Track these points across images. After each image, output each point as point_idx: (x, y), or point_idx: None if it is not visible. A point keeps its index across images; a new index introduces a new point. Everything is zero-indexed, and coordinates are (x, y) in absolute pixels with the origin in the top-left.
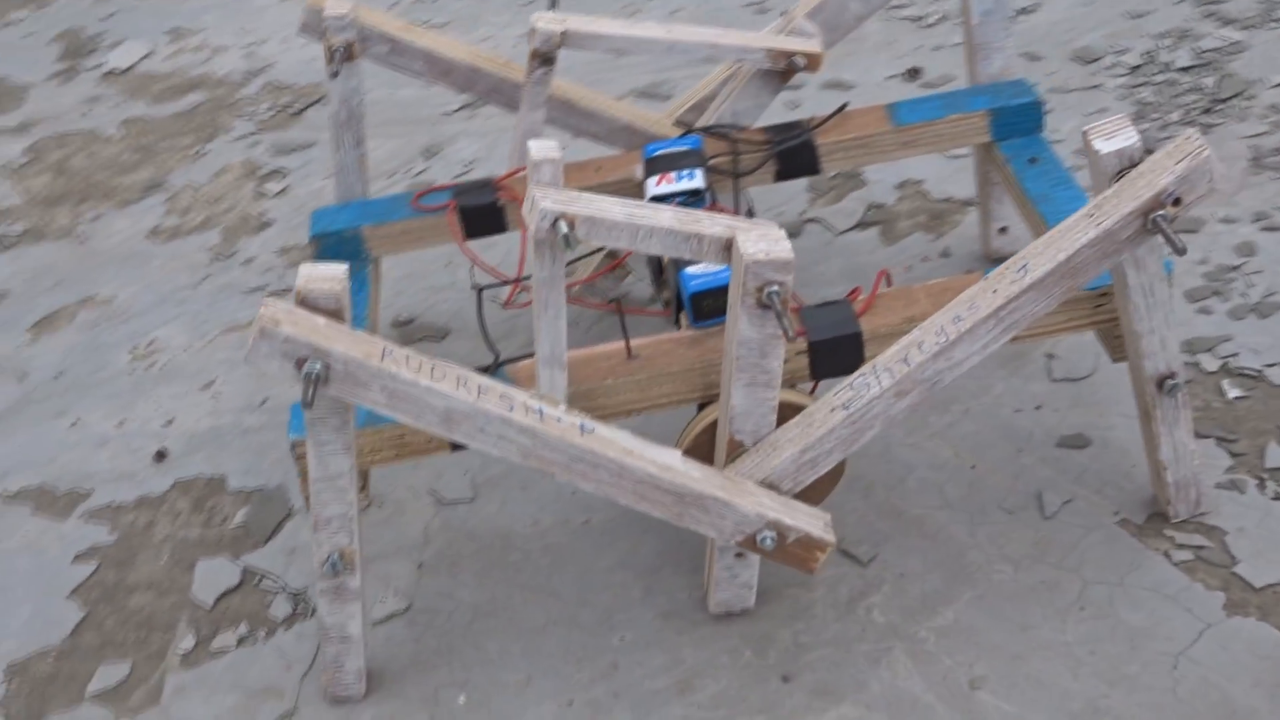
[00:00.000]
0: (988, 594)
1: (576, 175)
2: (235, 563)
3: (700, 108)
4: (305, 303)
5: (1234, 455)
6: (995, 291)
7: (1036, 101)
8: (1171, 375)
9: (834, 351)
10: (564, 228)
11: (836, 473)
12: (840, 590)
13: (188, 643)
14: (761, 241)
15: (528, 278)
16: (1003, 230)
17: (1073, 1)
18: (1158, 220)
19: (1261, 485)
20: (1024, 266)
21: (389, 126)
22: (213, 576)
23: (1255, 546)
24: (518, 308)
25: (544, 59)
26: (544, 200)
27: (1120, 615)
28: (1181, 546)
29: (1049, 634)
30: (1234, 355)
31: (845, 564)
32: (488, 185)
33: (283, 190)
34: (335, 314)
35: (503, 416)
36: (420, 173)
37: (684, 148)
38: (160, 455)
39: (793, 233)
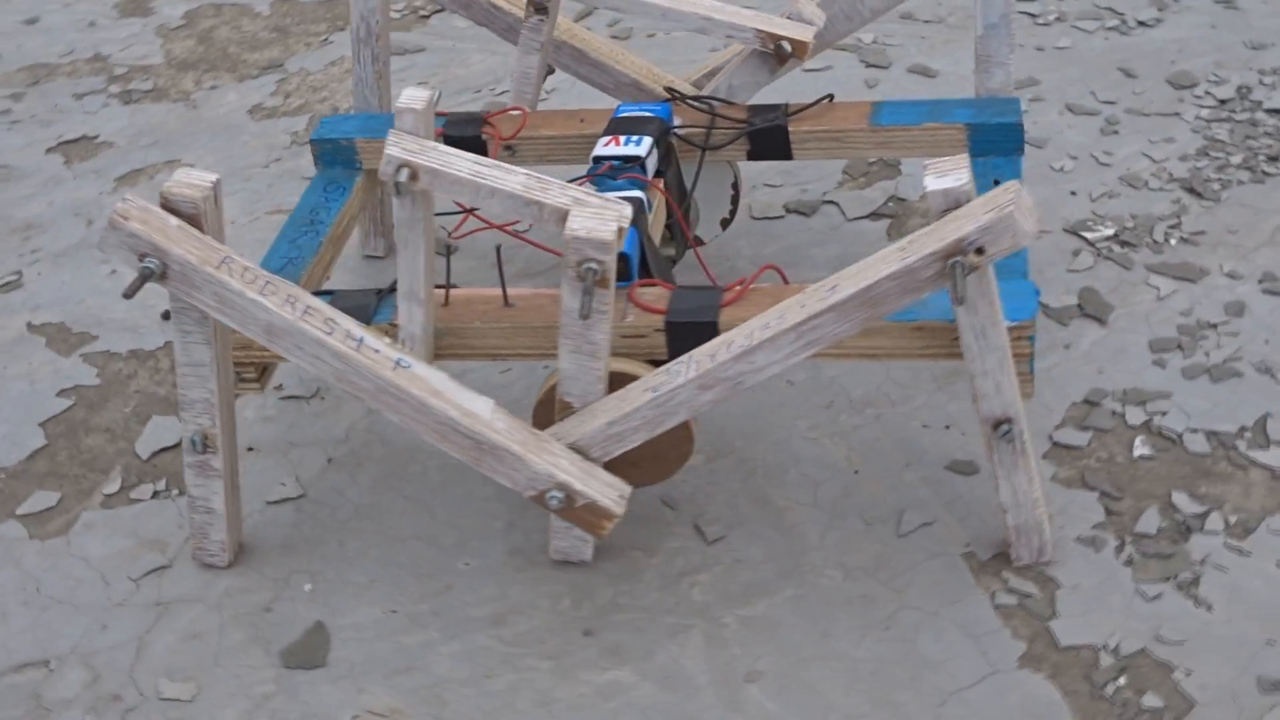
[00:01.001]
0: (807, 595)
1: (560, 122)
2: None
3: (714, 75)
4: (166, 203)
5: (1110, 513)
6: (802, 306)
7: (1017, 124)
8: (1007, 420)
9: (689, 336)
10: (402, 176)
11: (683, 450)
12: (676, 562)
13: (113, 486)
14: (590, 219)
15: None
16: None
17: (1197, 22)
18: (955, 266)
19: (1120, 547)
20: (834, 287)
21: (494, 43)
22: (158, 433)
23: (1081, 606)
24: (463, 236)
25: (538, 7)
26: (392, 147)
27: (918, 643)
28: (1010, 590)
29: (843, 646)
30: (1163, 414)
31: (693, 539)
32: (477, 119)
33: None
34: (192, 219)
35: (318, 338)
36: (503, 93)
37: (647, 114)
38: (166, 315)
39: (807, 212)
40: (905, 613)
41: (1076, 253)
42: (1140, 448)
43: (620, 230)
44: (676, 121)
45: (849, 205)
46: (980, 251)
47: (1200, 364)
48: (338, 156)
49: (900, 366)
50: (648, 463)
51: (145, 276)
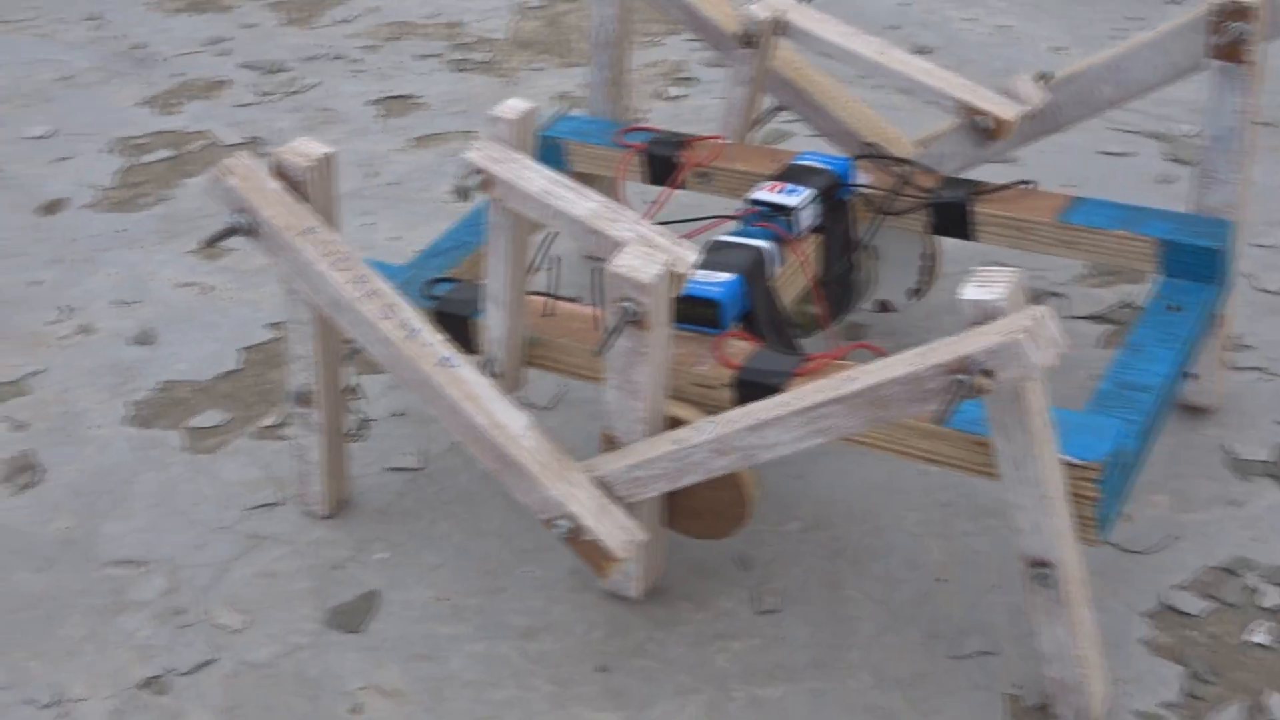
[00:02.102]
0: (828, 693)
1: (755, 158)
2: (349, 375)
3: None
4: (278, 165)
5: (1190, 695)
6: (817, 391)
7: (1217, 250)
8: (1045, 564)
9: (755, 397)
10: (470, 181)
11: (737, 512)
12: (718, 623)
13: (270, 420)
14: (636, 259)
15: None
16: (1193, 376)
17: None
18: (955, 383)
19: None
20: (852, 379)
21: None
22: None
23: None
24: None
25: (746, 41)
26: (472, 153)
27: None
28: None
29: None
30: None
31: (746, 604)
32: (678, 142)
33: (678, 98)
34: (296, 186)
35: (373, 322)
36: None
37: (822, 166)
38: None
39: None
40: None
41: None
42: (1258, 634)
43: (674, 276)
44: (862, 179)
45: (1077, 302)
46: (988, 374)
47: None
48: (551, 154)
49: None
50: (707, 517)
51: (231, 230)
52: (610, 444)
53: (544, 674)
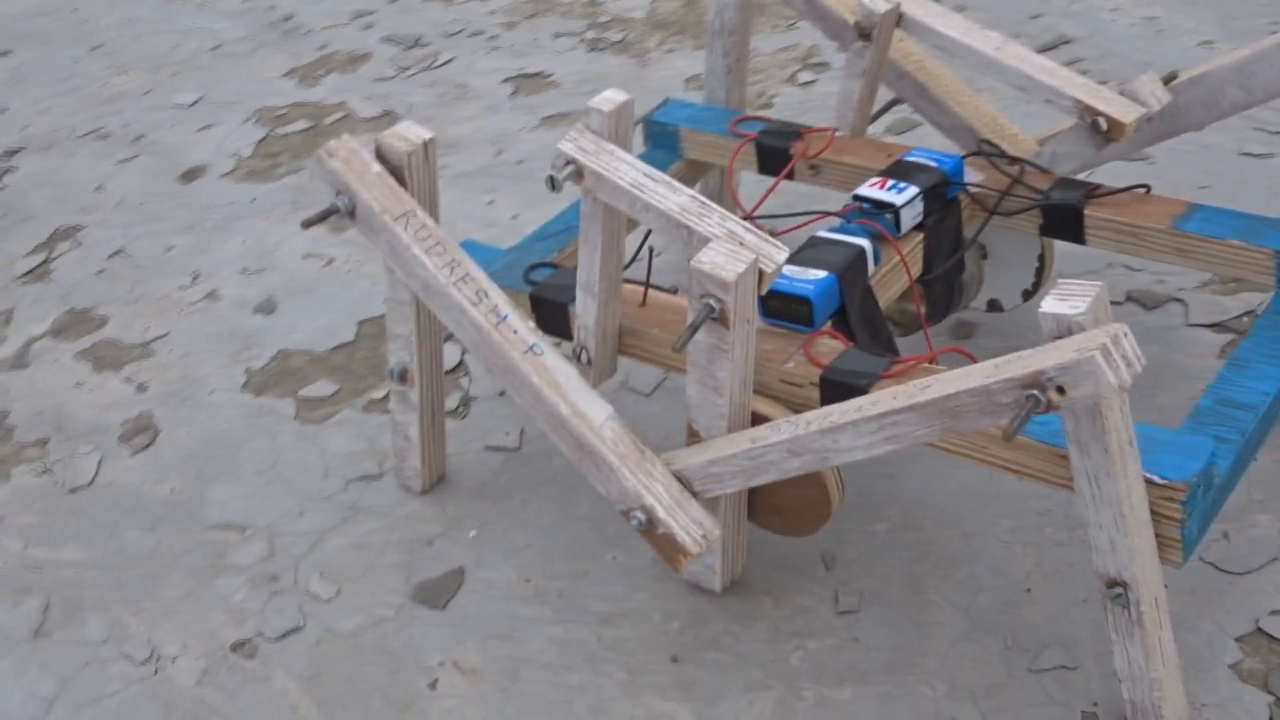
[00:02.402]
0: (899, 698)
1: (866, 151)
2: (459, 352)
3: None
4: (379, 149)
5: None
6: (894, 399)
7: None
8: (1120, 584)
9: (841, 397)
10: (560, 173)
11: (820, 511)
12: (796, 621)
13: (379, 393)
14: (721, 255)
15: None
16: None
17: None
18: (1028, 398)
19: None
20: (926, 387)
21: None
22: (446, 357)
23: None
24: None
25: (862, 33)
26: (566, 143)
27: None
28: None
29: None
30: None
31: (826, 603)
32: (791, 133)
33: (808, 84)
34: (395, 170)
35: (463, 306)
36: None
37: (930, 163)
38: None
39: (1148, 304)
40: None
41: None
42: None
43: (760, 274)
44: (973, 178)
45: (1197, 309)
46: (1061, 391)
47: None
48: (664, 140)
49: None
50: (790, 514)
51: (331, 211)
52: (693, 437)
53: (618, 661)
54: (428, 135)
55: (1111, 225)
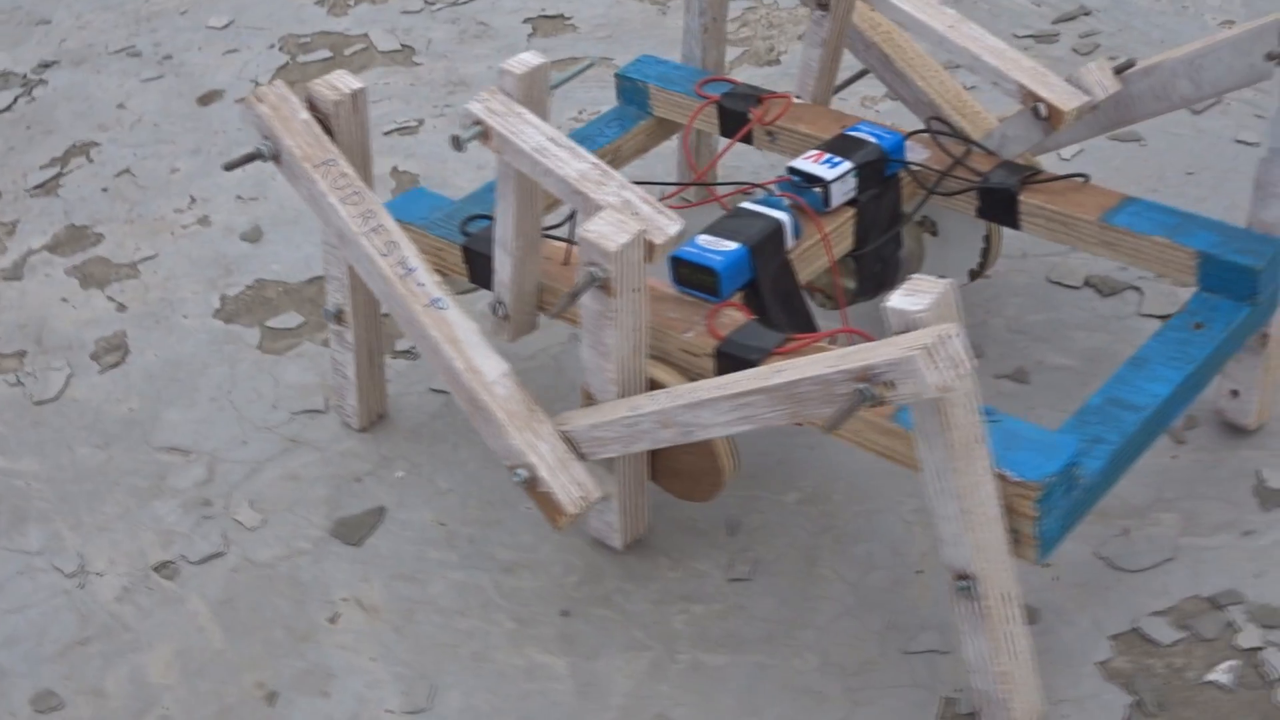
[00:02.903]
0: (770, 669)
1: (820, 121)
2: None
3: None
4: (309, 97)
5: None
6: (750, 379)
7: (1255, 269)
8: (967, 577)
9: (732, 366)
10: (466, 132)
11: (712, 481)
12: (688, 584)
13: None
14: (607, 225)
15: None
16: (1234, 394)
17: None
18: (855, 393)
19: None
20: (781, 371)
21: None
22: None
23: None
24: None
25: (819, 4)
26: (474, 104)
27: None
28: None
29: None
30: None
31: (720, 569)
32: (752, 97)
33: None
34: (323, 118)
35: (372, 257)
36: None
37: (869, 138)
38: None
39: (1105, 290)
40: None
41: None
42: (1221, 674)
43: (648, 245)
44: (918, 156)
45: (1152, 299)
46: (890, 385)
47: None
48: (634, 96)
49: None
50: (686, 479)
51: (254, 155)
52: (588, 400)
53: (510, 610)
54: (358, 85)
55: (1044, 213)
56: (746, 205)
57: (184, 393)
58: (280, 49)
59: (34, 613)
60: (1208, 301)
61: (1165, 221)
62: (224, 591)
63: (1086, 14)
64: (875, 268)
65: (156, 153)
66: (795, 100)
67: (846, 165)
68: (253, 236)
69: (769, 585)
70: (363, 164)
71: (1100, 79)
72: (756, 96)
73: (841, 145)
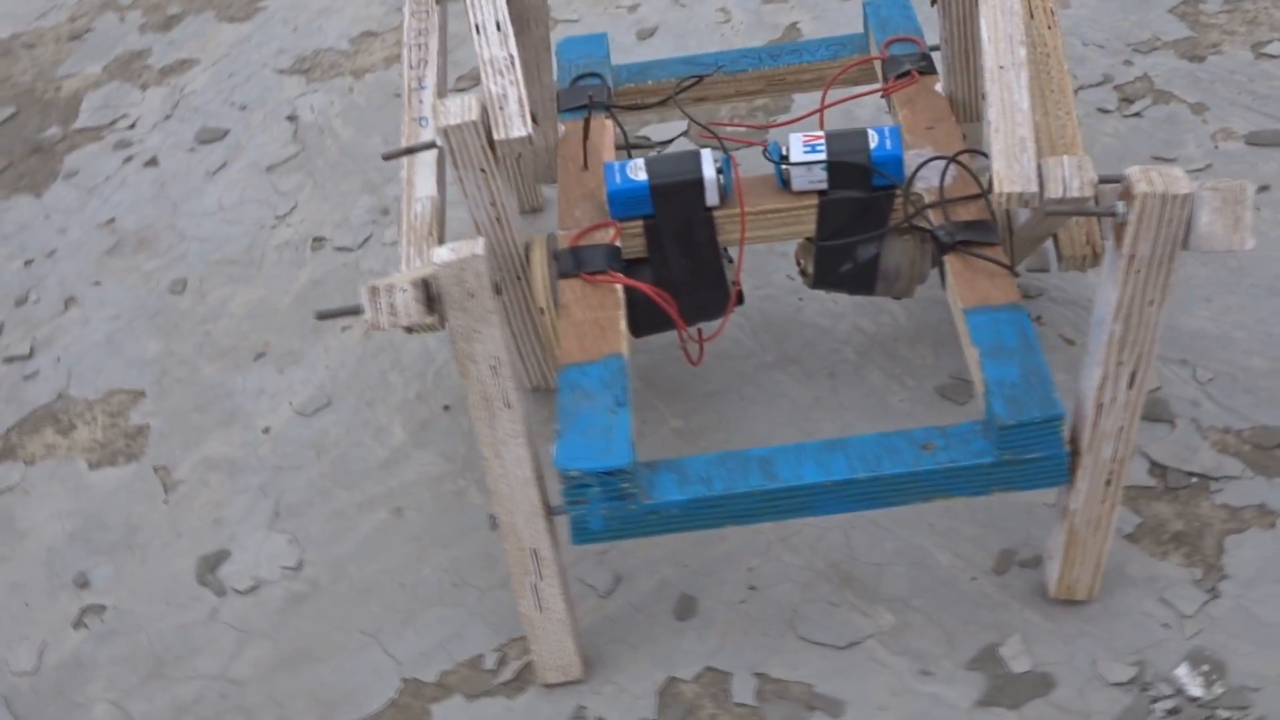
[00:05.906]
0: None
1: (916, 112)
2: None
3: None
4: None
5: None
6: None
7: (1005, 424)
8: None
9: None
10: None
11: None
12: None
13: None
14: (461, 105)
15: None
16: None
17: None
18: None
19: None
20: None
21: None
22: None
23: None
24: None
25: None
26: None
27: None
28: None
29: None
30: None
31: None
32: (907, 69)
33: None
34: None
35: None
36: None
37: (869, 144)
38: None
39: None
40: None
41: None
42: None
43: (487, 134)
44: (929, 177)
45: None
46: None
47: None
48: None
49: None
50: None
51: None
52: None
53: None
54: None
55: (951, 278)
56: (702, 152)
57: None
58: None
59: None
60: (966, 434)
61: (999, 341)
62: None
63: None
64: (843, 265)
65: None
66: (935, 87)
67: (819, 157)
68: None
69: None
70: None
71: (1066, 175)
72: (909, 70)
73: (838, 138)
